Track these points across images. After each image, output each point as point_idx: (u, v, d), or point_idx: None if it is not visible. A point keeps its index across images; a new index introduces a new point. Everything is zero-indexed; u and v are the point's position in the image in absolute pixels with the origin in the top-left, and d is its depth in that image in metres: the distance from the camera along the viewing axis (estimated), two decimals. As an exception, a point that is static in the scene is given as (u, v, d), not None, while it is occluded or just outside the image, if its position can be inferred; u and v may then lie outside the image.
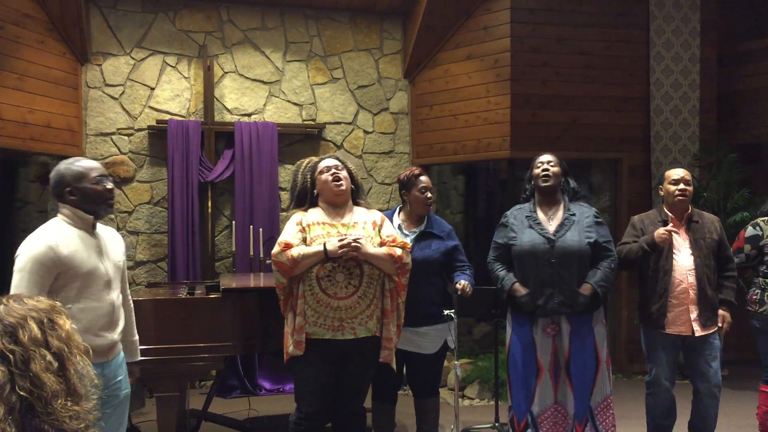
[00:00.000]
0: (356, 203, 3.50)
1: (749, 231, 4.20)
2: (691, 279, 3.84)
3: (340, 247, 3.19)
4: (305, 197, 3.47)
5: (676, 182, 3.93)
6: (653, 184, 6.27)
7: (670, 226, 3.83)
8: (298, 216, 3.41)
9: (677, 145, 6.46)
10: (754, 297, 4.19)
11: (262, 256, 6.04)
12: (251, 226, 6.07)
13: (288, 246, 3.25)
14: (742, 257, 4.17)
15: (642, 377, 4.98)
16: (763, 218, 4.22)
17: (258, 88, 6.41)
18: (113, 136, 6.15)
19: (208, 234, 6.19)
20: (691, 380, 3.99)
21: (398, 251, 3.32)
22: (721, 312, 3.88)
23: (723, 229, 4.03)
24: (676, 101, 6.47)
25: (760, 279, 4.16)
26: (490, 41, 6.28)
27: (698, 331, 3.83)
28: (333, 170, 3.41)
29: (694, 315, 3.83)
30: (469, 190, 7.57)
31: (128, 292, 3.09)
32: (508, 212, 3.93)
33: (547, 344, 3.70)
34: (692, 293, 3.83)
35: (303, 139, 6.48)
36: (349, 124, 6.65)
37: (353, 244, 3.19)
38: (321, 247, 3.22)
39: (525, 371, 3.73)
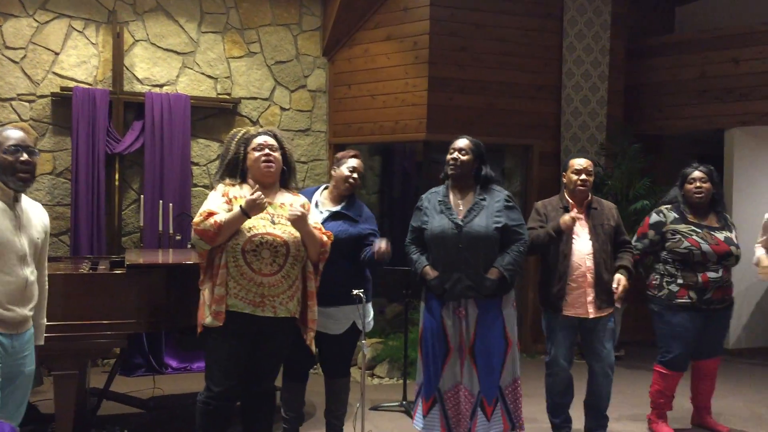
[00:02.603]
0: (285, 187, 3.46)
1: (653, 218, 4.39)
2: (589, 263, 4.00)
3: (255, 199, 3.15)
4: (235, 169, 3.40)
5: (578, 172, 4.09)
6: (562, 169, 6.46)
7: (574, 212, 3.97)
8: (224, 188, 3.35)
9: (585, 133, 6.68)
10: (654, 282, 4.40)
11: (171, 231, 5.88)
12: (161, 201, 5.90)
13: (211, 214, 3.19)
14: (646, 242, 4.37)
15: (544, 357, 5.16)
16: (667, 206, 4.43)
17: (171, 59, 6.20)
18: (13, 102, 5.82)
19: (114, 208, 5.98)
20: (586, 360, 4.16)
21: (324, 238, 3.38)
22: (617, 276, 4.00)
23: (620, 216, 4.22)
24: (585, 91, 6.68)
25: (660, 265, 4.36)
26: (409, 23, 6.29)
27: (593, 313, 4.00)
28: (266, 150, 3.35)
29: (590, 298, 4.00)
30: (385, 171, 7.60)
31: (45, 270, 3.00)
32: (424, 196, 3.97)
33: (456, 326, 3.78)
34: (590, 277, 4.00)
35: (217, 113, 6.33)
36: (266, 100, 6.54)
37: (297, 213, 3.21)
38: (237, 209, 3.19)
39: (434, 351, 3.80)
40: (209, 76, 6.33)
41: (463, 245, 3.70)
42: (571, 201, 4.11)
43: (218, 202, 3.27)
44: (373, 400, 4.98)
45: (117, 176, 5.99)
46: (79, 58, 5.95)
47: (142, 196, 5.96)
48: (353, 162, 3.88)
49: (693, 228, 4.27)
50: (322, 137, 6.78)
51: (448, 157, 3.87)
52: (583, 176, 4.08)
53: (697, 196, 4.29)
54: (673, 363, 4.34)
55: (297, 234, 3.28)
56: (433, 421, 3.83)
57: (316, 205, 3.84)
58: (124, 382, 5.29)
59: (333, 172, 3.93)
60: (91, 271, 3.93)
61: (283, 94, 6.60)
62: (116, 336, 3.68)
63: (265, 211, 3.26)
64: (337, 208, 3.85)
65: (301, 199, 3.47)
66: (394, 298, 6.04)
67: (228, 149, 3.44)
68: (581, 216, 3.97)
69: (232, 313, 3.20)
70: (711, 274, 4.19)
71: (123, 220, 6.08)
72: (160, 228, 5.88)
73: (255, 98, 6.49)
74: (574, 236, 4.02)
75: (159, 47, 6.15)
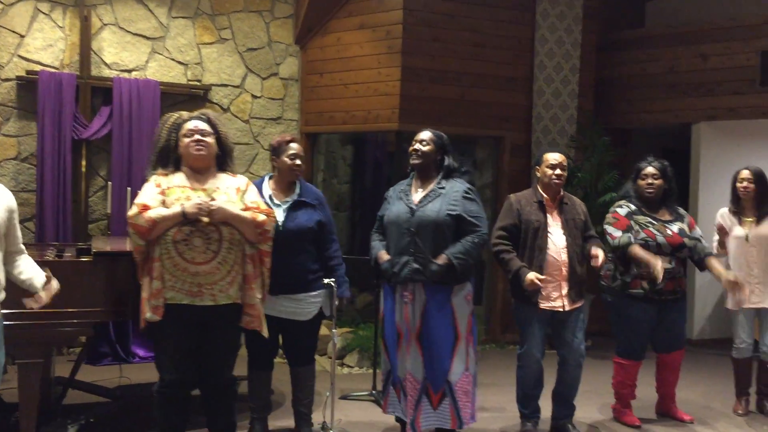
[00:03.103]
0: (222, 170, 3.41)
1: (623, 210, 4.40)
2: (564, 257, 4.04)
3: (198, 206, 3.12)
4: (167, 157, 3.34)
5: (553, 167, 4.11)
6: (533, 162, 6.50)
7: (539, 279, 3.91)
8: (158, 179, 3.30)
9: (556, 126, 6.73)
10: (608, 273, 4.46)
11: (139, 219, 5.80)
12: (129, 188, 5.81)
13: (146, 208, 3.15)
14: (630, 241, 4.28)
15: (513, 347, 5.21)
16: (623, 200, 4.48)
17: (140, 44, 6.10)
18: (-24, 85, 5.69)
19: (81, 194, 5.88)
20: (557, 351, 4.21)
21: (261, 217, 3.28)
22: (594, 249, 4.02)
23: (587, 211, 4.27)
24: (557, 84, 6.73)
25: (613, 255, 4.41)
26: (382, 12, 6.26)
27: (568, 306, 4.05)
28: (197, 135, 3.28)
29: (565, 291, 4.04)
30: (357, 161, 7.58)
31: (20, 245, 3.02)
32: (392, 187, 4.05)
33: (402, 311, 3.82)
34: (564, 270, 4.04)
35: (187, 99, 6.25)
36: (237, 87, 6.47)
37: (210, 207, 3.13)
38: (179, 208, 3.14)
39: (390, 336, 3.88)
40: (179, 62, 6.24)
41: (414, 229, 3.75)
42: (545, 195, 4.15)
43: (152, 194, 3.22)
44: (343, 389, 4.99)
45: (84, 162, 5.89)
46: (45, 42, 5.82)
47: (109, 182, 5.87)
48: (294, 148, 3.84)
49: (649, 220, 4.33)
50: (293, 126, 6.73)
51: (411, 148, 3.93)
52: (558, 171, 4.11)
53: (648, 192, 4.36)
54: (629, 353, 4.42)
55: (228, 214, 3.21)
56: (403, 407, 3.87)
57: (270, 199, 3.80)
58: (90, 371, 5.22)
59: (274, 162, 3.89)
60: (56, 259, 3.87)
61: (254, 81, 6.54)
62: (82, 324, 3.63)
63: (197, 197, 3.20)
64: (294, 197, 3.85)
65: (239, 180, 3.41)
66: (364, 287, 6.04)
67: (159, 135, 3.36)
68: (542, 285, 3.94)
69: (170, 305, 3.18)
70: (665, 265, 4.25)
71: (90, 207, 5.98)
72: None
73: (226, 85, 6.42)
74: (548, 230, 4.07)
75: (128, 32, 6.05)
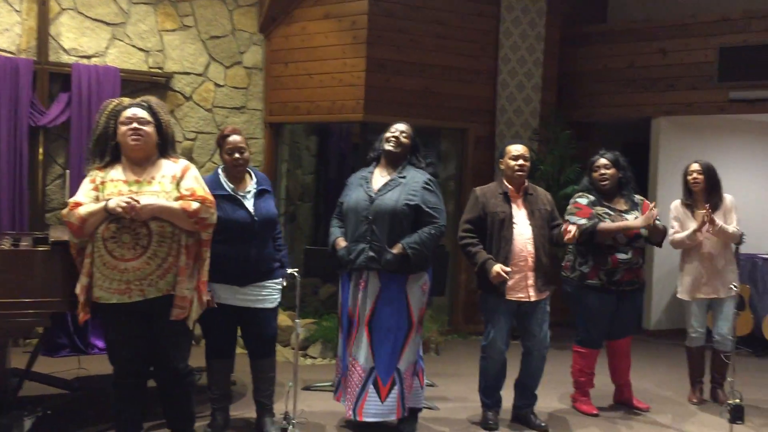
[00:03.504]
0: (165, 156, 3.31)
1: (584, 200, 4.47)
2: (530, 248, 4.09)
3: (121, 207, 3.03)
4: (105, 145, 3.22)
5: (515, 158, 4.16)
6: (496, 155, 6.55)
7: (505, 271, 3.96)
8: (93, 174, 3.22)
9: (520, 119, 6.79)
10: (568, 263, 4.55)
11: (99, 208, 5.71)
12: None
13: (77, 205, 3.09)
14: (597, 220, 4.39)
15: (476, 338, 5.26)
16: (582, 192, 4.55)
17: (100, 29, 5.98)
18: (-72, 69, 5.51)
19: (38, 183, 5.75)
20: (522, 342, 4.26)
21: (194, 205, 3.15)
22: (564, 226, 4.10)
23: (553, 201, 4.33)
24: (520, 77, 6.78)
25: (573, 246, 4.48)
26: (347, 2, 6.23)
27: (534, 297, 4.10)
28: (134, 123, 3.18)
29: (531, 281, 4.09)
30: (322, 152, 7.55)
31: None
32: (354, 174, 4.08)
33: (355, 298, 3.85)
34: (531, 261, 4.09)
35: (149, 87, 6.13)
36: (200, 75, 6.39)
37: (134, 208, 3.03)
38: (103, 203, 3.08)
39: (344, 323, 3.92)
40: (140, 49, 6.13)
41: (372, 217, 3.78)
42: (510, 187, 4.18)
43: (86, 191, 3.16)
44: (306, 380, 4.98)
45: (41, 150, 5.76)
46: (1, 26, 5.66)
47: (67, 171, 5.75)
48: (231, 142, 3.77)
49: (606, 211, 4.41)
50: (257, 115, 6.67)
51: (389, 135, 3.92)
52: (521, 161, 4.16)
53: (602, 183, 4.45)
54: (587, 341, 4.50)
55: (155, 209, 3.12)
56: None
57: (234, 192, 3.76)
58: (47, 363, 5.12)
59: (221, 158, 3.86)
60: (12, 248, 3.78)
61: (217, 70, 6.46)
62: (39, 315, 3.53)
63: (129, 191, 3.13)
64: (254, 185, 3.84)
65: (177, 166, 3.28)
66: (327, 278, 6.03)
67: (98, 123, 3.25)
68: (508, 278, 3.98)
69: (101, 304, 3.15)
70: (621, 256, 4.34)
71: (47, 196, 5.86)
72: (87, 204, 5.70)
73: (188, 73, 6.33)
74: (514, 221, 4.11)
75: (87, 17, 5.92)
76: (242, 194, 3.77)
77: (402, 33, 6.28)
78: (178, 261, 3.17)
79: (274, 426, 3.86)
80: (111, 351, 3.30)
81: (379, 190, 3.84)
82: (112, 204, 3.06)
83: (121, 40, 6.06)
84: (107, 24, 6.00)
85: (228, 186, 3.77)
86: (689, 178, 4.76)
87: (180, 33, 6.28)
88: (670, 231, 4.73)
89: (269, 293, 3.81)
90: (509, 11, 6.69)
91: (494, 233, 4.09)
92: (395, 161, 3.92)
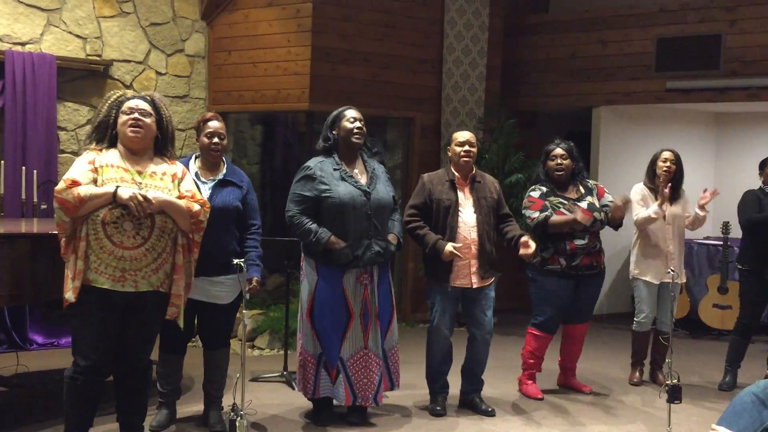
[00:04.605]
0: (161, 154, 3.30)
1: (536, 192, 4.54)
2: (474, 235, 4.14)
3: (131, 198, 3.01)
4: (105, 133, 3.21)
5: (461, 144, 4.20)
6: (442, 143, 6.61)
7: (456, 250, 4.02)
8: (91, 155, 3.16)
9: (465, 108, 6.85)
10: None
11: (36, 200, 5.54)
12: (24, 168, 5.53)
13: (75, 183, 3.01)
14: (549, 213, 4.46)
15: (423, 325, 5.30)
16: (535, 185, 4.62)
17: (34, 15, 5.77)
18: None
19: (-30, 174, 5.54)
20: (467, 328, 4.32)
21: (196, 207, 3.21)
22: (524, 238, 4.11)
23: (500, 189, 4.39)
24: (465, 66, 6.83)
25: (532, 234, 4.55)
26: (292, -11, 6.17)
27: (477, 284, 4.15)
28: (136, 113, 3.17)
29: (474, 268, 4.14)
30: (267, 141, 7.47)
31: None
32: (312, 165, 3.92)
33: (360, 292, 3.88)
34: (474, 248, 4.14)
35: (87, 75, 5.97)
36: (140, 63, 6.24)
37: (143, 200, 3.02)
38: (111, 189, 3.03)
39: (334, 319, 3.85)
40: (78, 36, 5.95)
41: (371, 212, 3.83)
42: (457, 174, 4.22)
43: (83, 170, 3.09)
44: (254, 371, 4.95)
45: (-27, 140, 5.55)
46: (-73, 10, 5.42)
47: (2, 161, 5.55)
48: (211, 126, 3.77)
49: (560, 200, 4.49)
50: (201, 104, 6.56)
51: (352, 126, 3.88)
52: (467, 147, 4.19)
53: (558, 172, 4.53)
54: (544, 325, 4.58)
55: (164, 203, 3.14)
56: (338, 389, 3.90)
57: (197, 176, 3.73)
58: (-17, 361, 4.96)
59: (197, 142, 3.85)
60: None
61: (159, 57, 6.32)
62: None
63: (132, 181, 3.12)
64: (220, 176, 3.78)
65: (176, 167, 3.34)
66: (275, 269, 6.00)
67: (100, 110, 3.25)
68: (461, 255, 4.04)
69: (91, 288, 3.06)
70: (578, 242, 4.43)
71: (-19, 188, 5.65)
72: (23, 196, 5.51)
73: (128, 61, 6.18)
74: (459, 209, 4.15)
75: (20, 2, 5.70)
76: (204, 181, 3.73)
77: (347, 21, 6.25)
78: (173, 259, 3.19)
79: (220, 419, 3.83)
80: (80, 343, 3.17)
81: (369, 185, 3.90)
82: (125, 195, 3.01)
83: (57, 27, 5.86)
84: (42, 10, 5.80)
85: (194, 171, 3.74)
86: (663, 164, 4.83)
87: (119, 19, 6.11)
88: (634, 213, 4.79)
89: (222, 290, 3.73)
90: (453, 1, 6.72)
91: (439, 220, 4.14)
92: (356, 151, 3.95)
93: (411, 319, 6.73)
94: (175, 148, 3.42)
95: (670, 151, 4.87)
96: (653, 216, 4.70)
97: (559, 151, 4.54)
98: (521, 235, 4.15)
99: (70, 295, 3.06)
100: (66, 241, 3.11)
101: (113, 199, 3.03)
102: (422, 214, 4.16)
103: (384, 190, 3.94)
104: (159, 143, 3.28)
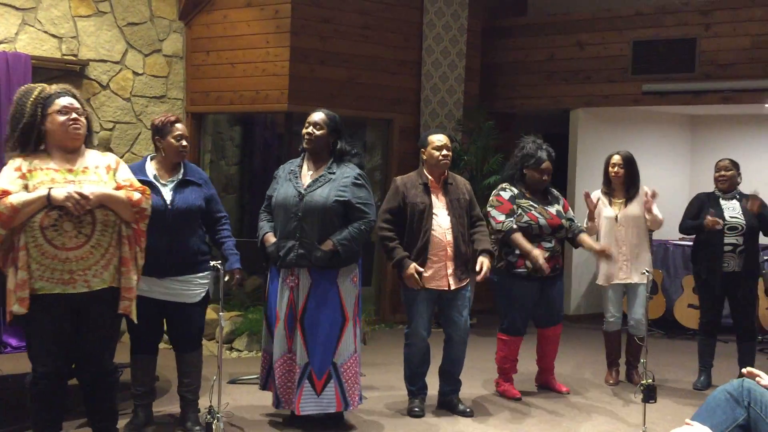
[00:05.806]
0: (87, 146, 3.24)
1: (506, 193, 4.56)
2: (449, 237, 4.15)
3: (67, 198, 2.94)
4: (30, 135, 3.08)
5: (439, 148, 4.21)
6: (420, 147, 6.61)
7: (419, 272, 4.06)
8: (17, 161, 3.06)
9: (444, 109, 6.87)
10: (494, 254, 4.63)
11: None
12: (-2, 169, 5.45)
13: (5, 193, 2.93)
14: (514, 227, 4.44)
15: (402, 327, 5.31)
16: (506, 183, 4.65)
17: (8, 14, 5.69)
18: None
19: (-57, 175, 5.45)
20: (444, 329, 4.33)
21: (136, 195, 3.14)
22: (481, 258, 4.18)
23: (472, 190, 4.40)
24: (444, 68, 6.85)
25: (496, 236, 4.57)
26: (270, -10, 6.15)
27: (453, 285, 4.17)
28: (73, 114, 3.10)
29: (450, 270, 4.16)
30: (246, 142, 7.44)
31: None
32: (282, 166, 4.02)
33: (285, 295, 3.82)
34: (449, 250, 4.15)
35: (63, 75, 5.89)
36: (117, 63, 6.18)
37: (80, 198, 2.95)
38: (44, 192, 2.95)
39: (270, 316, 3.92)
40: (53, 35, 5.88)
41: (301, 214, 3.76)
42: (430, 177, 4.23)
43: (11, 178, 3.00)
44: (231, 373, 4.93)
45: (-54, 140, 5.46)
46: None
47: (-25, 162, 5.48)
48: (179, 129, 3.74)
49: (531, 203, 4.53)
50: (178, 105, 6.52)
51: (304, 131, 3.90)
52: (444, 151, 4.21)
53: (542, 185, 4.59)
54: (511, 329, 4.62)
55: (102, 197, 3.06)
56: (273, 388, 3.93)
57: (156, 179, 3.69)
58: (-44, 364, 4.88)
59: (158, 143, 3.75)
60: None
61: (136, 58, 6.27)
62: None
63: (64, 180, 3.04)
64: (179, 176, 3.76)
65: (109, 158, 3.26)
66: (253, 270, 5.97)
67: (22, 110, 3.09)
68: (420, 284, 4.08)
69: (40, 296, 3.00)
70: (545, 245, 4.48)
71: (-47, 189, 5.57)
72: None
73: (105, 61, 6.12)
74: (434, 212, 4.16)
75: (-6, 0, 5.64)
76: (163, 183, 3.70)
77: (326, 23, 6.24)
78: (120, 251, 3.12)
79: (197, 421, 3.81)
80: (34, 350, 3.12)
81: (309, 186, 3.80)
82: (60, 195, 2.93)
83: (32, 26, 5.79)
84: (17, 9, 5.72)
85: (150, 172, 3.70)
86: (611, 169, 4.92)
87: (95, 19, 6.06)
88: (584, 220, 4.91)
89: (189, 288, 3.71)
90: (432, 3, 6.74)
91: (414, 224, 4.14)
92: (317, 154, 3.91)
93: (390, 321, 6.74)
94: (95, 138, 3.34)
95: (618, 154, 4.94)
96: (587, 227, 4.82)
97: (548, 165, 4.55)
98: (482, 252, 4.19)
99: (17, 307, 2.98)
100: (3, 254, 3.04)
101: (48, 201, 2.95)
102: (396, 219, 4.16)
103: (323, 194, 3.75)
104: (86, 138, 3.22)
